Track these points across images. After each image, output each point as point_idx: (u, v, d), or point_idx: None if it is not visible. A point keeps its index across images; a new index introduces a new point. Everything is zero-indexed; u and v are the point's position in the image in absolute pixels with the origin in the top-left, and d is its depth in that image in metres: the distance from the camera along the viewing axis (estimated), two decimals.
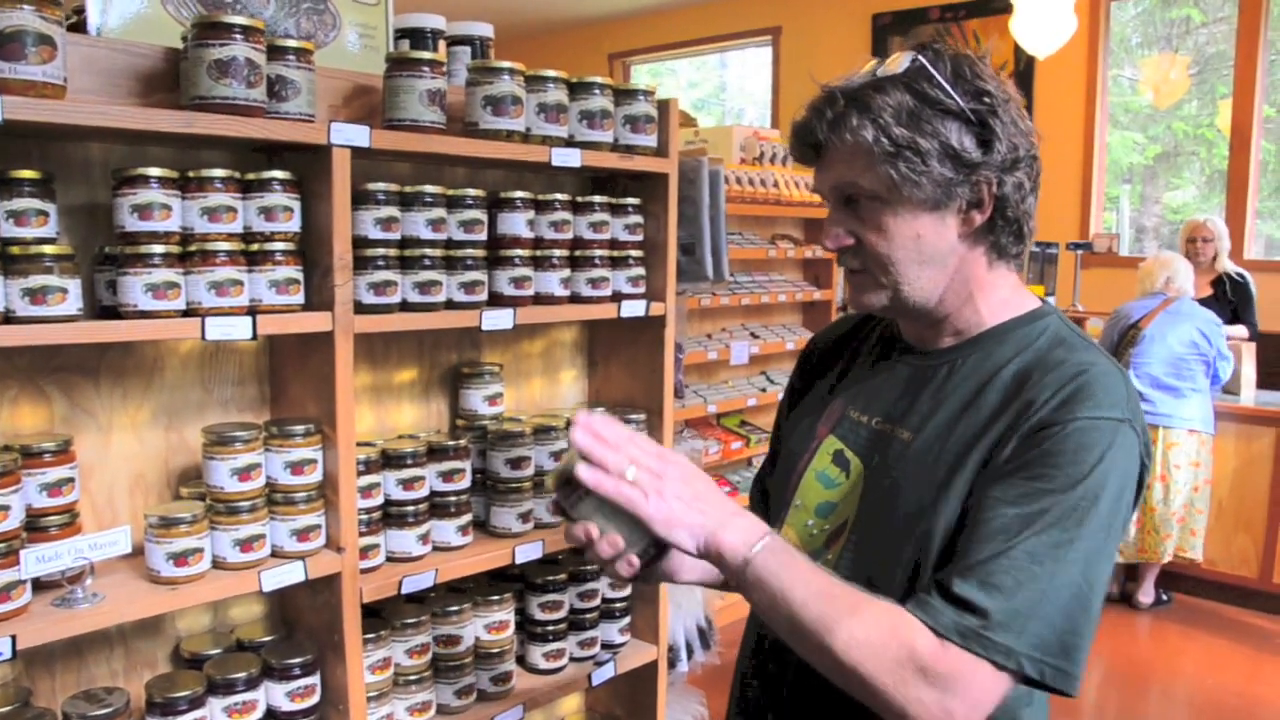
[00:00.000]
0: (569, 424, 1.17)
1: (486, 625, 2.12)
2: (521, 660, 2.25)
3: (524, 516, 2.11)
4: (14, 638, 1.43)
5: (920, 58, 1.15)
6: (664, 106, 2.19)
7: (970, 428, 1.16)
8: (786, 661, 1.25)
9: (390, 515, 1.94)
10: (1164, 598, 5.06)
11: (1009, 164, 1.16)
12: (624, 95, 2.11)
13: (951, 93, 1.13)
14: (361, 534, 1.84)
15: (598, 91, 2.04)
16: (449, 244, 1.93)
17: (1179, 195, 6.66)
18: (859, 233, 1.20)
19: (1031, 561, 1.05)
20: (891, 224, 1.17)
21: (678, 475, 1.12)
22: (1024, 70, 6.39)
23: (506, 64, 1.89)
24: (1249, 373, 5.11)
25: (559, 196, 2.09)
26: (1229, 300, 5.27)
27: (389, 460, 1.94)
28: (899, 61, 1.16)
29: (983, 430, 1.15)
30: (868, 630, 1.04)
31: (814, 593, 1.06)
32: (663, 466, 1.12)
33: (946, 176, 1.14)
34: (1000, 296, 1.23)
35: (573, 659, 2.30)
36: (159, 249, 1.55)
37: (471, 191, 1.95)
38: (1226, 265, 5.34)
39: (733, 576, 1.11)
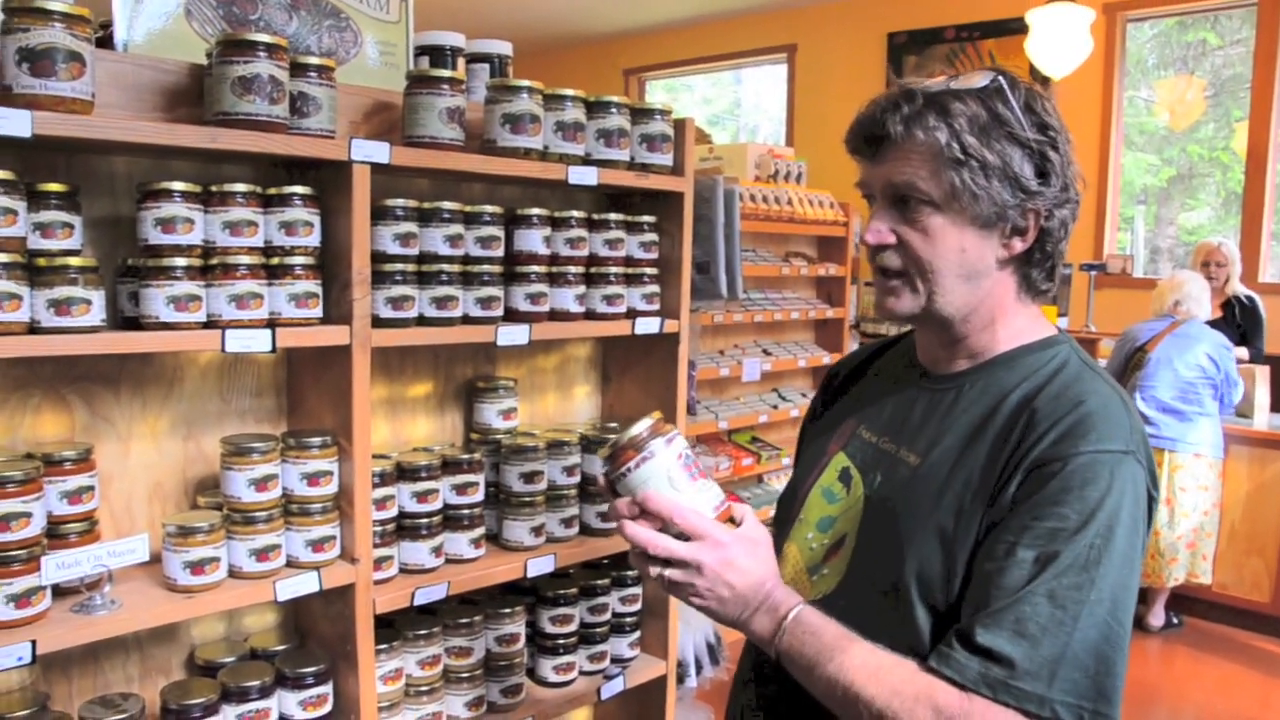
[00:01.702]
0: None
1: (497, 638, 2.13)
2: (531, 673, 2.26)
3: (536, 530, 2.13)
4: (34, 643, 1.45)
5: (1000, 78, 1.18)
6: (680, 126, 2.21)
7: (975, 459, 1.17)
8: (784, 680, 1.25)
9: (404, 527, 1.96)
10: (1174, 621, 5.03)
11: (1060, 200, 1.19)
12: (640, 114, 2.13)
13: (1021, 119, 1.16)
14: (375, 545, 1.86)
15: (615, 110, 2.07)
16: (466, 260, 1.95)
17: (1194, 216, 6.65)
18: (903, 234, 1.20)
19: (1054, 605, 1.05)
20: (940, 231, 1.18)
21: (711, 574, 1.14)
22: None
23: (525, 82, 1.91)
24: (1262, 396, 5.08)
25: (575, 214, 2.11)
26: (1238, 323, 5.26)
27: (404, 473, 1.96)
28: (977, 77, 1.19)
29: (987, 463, 1.15)
30: (888, 698, 1.06)
31: (839, 664, 1.09)
32: (698, 560, 1.13)
33: (1003, 197, 1.16)
34: (1018, 325, 1.25)
35: (582, 672, 2.30)
36: (181, 262, 1.58)
37: (489, 208, 1.97)
38: (1236, 288, 5.33)
39: (768, 653, 1.17)
